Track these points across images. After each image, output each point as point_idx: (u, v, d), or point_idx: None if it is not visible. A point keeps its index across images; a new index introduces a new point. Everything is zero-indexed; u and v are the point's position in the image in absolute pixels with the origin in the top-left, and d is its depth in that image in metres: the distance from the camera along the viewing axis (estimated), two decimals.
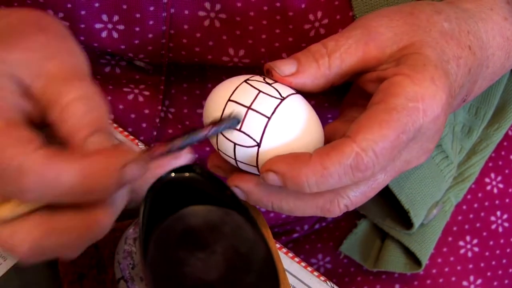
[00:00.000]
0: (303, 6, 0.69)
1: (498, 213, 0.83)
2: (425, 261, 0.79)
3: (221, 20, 0.69)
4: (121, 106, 0.77)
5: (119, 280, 0.59)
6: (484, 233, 0.82)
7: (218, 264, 0.53)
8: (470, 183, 0.82)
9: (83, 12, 0.69)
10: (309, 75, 0.61)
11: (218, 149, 0.60)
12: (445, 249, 0.81)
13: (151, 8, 0.68)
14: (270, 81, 0.60)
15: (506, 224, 0.83)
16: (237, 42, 0.71)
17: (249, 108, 0.59)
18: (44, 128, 0.54)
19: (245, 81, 0.60)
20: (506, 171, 0.83)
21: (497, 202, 0.83)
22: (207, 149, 0.78)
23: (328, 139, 0.60)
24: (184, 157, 0.58)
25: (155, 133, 0.77)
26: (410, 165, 0.62)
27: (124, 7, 0.68)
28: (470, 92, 0.66)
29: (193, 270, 0.53)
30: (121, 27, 0.69)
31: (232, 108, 0.58)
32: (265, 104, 0.59)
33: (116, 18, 0.69)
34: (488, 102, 0.80)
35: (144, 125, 0.77)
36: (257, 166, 0.60)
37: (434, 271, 0.81)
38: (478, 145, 0.82)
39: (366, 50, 0.61)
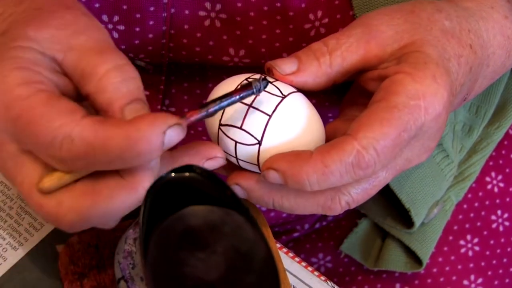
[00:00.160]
0: (303, 5, 0.69)
1: (499, 212, 0.83)
2: (425, 260, 0.79)
3: (221, 20, 0.69)
4: None
5: (119, 280, 0.59)
6: (485, 232, 0.82)
7: (218, 264, 0.53)
8: (470, 182, 0.82)
9: None
10: (310, 74, 0.61)
11: None
12: (445, 248, 0.81)
13: (151, 8, 0.68)
14: (271, 80, 0.60)
15: (506, 223, 0.83)
16: (238, 42, 0.71)
17: (250, 106, 0.59)
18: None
19: (246, 79, 0.60)
20: (507, 170, 0.83)
21: (497, 201, 0.83)
22: None
23: (328, 138, 0.60)
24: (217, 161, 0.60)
25: None
26: (411, 163, 0.62)
27: (124, 7, 0.68)
28: (470, 91, 0.66)
29: (193, 270, 0.53)
30: (121, 27, 0.69)
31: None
32: (266, 102, 0.59)
33: (116, 18, 0.69)
34: (488, 101, 0.80)
35: None
36: (258, 165, 0.60)
37: (434, 270, 0.81)
38: (478, 144, 0.82)
39: (367, 48, 0.61)
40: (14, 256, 0.62)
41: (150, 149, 0.52)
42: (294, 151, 0.58)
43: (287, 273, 0.66)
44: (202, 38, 0.71)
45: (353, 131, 0.57)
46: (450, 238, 0.82)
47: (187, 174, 0.53)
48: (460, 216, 0.82)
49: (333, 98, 0.77)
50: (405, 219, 0.78)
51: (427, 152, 0.62)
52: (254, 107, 0.59)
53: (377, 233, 0.82)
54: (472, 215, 0.82)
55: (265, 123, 0.59)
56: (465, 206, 0.82)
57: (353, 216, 0.83)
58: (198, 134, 0.75)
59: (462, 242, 0.82)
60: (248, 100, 0.59)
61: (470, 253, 0.82)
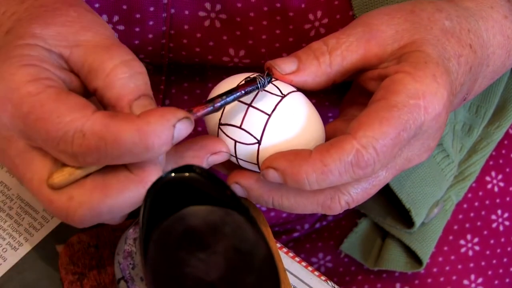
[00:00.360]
0: (303, 6, 0.69)
1: (499, 211, 0.83)
2: (426, 260, 0.79)
3: (221, 20, 0.69)
4: None
5: (120, 280, 0.59)
6: (485, 232, 0.82)
7: (218, 264, 0.53)
8: (470, 181, 0.82)
9: None
10: (310, 73, 0.61)
11: None
12: (446, 248, 0.81)
13: (151, 9, 0.68)
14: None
15: (506, 223, 0.83)
16: (238, 43, 0.71)
17: (249, 105, 0.59)
18: None
19: (246, 78, 0.60)
20: (507, 170, 0.83)
21: (497, 200, 0.83)
22: None
23: (329, 138, 0.60)
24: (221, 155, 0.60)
25: None
26: (411, 163, 0.62)
27: (124, 7, 0.68)
28: (470, 91, 0.66)
29: (194, 270, 0.53)
30: (121, 27, 0.69)
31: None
32: (266, 101, 0.59)
33: (116, 18, 0.69)
34: (488, 101, 0.80)
35: None
36: (257, 164, 0.60)
37: (435, 270, 0.81)
38: (478, 144, 0.82)
39: (367, 48, 0.61)
40: (14, 256, 0.62)
41: (161, 142, 0.52)
42: (294, 150, 0.58)
43: (287, 273, 0.66)
44: (202, 38, 0.71)
45: (353, 130, 0.57)
46: (450, 237, 0.82)
47: (187, 174, 0.54)
48: (460, 216, 0.82)
49: (333, 97, 0.77)
50: (405, 219, 0.78)
51: (427, 152, 0.62)
52: (253, 107, 0.59)
53: (377, 233, 0.82)
54: (472, 214, 0.82)
55: (265, 123, 0.59)
56: (465, 205, 0.82)
57: (353, 216, 0.83)
58: (198, 134, 0.75)
59: (462, 242, 0.82)
60: (248, 100, 0.59)
61: (470, 252, 0.82)
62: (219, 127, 0.60)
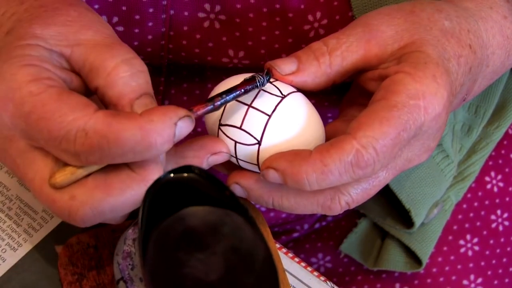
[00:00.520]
0: (302, 7, 0.69)
1: (498, 211, 0.83)
2: (425, 260, 0.79)
3: (220, 21, 0.69)
4: None
5: (119, 281, 0.59)
6: (484, 232, 0.82)
7: (217, 265, 0.53)
8: (470, 182, 0.82)
9: None
10: (310, 74, 0.61)
11: None
12: (445, 248, 0.81)
13: (151, 10, 0.68)
14: (271, 79, 0.61)
15: (506, 223, 0.83)
16: (237, 44, 0.71)
17: (249, 106, 0.59)
18: None
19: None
20: (506, 170, 0.83)
21: (497, 200, 0.83)
22: None
23: (328, 139, 0.60)
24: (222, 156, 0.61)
25: None
26: (411, 163, 0.62)
27: (124, 8, 0.68)
28: (470, 91, 0.66)
29: (193, 271, 0.53)
30: (120, 28, 0.69)
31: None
32: (265, 102, 0.59)
33: (115, 19, 0.69)
34: (488, 101, 0.80)
35: None
36: (257, 164, 0.60)
37: (434, 270, 0.81)
38: (478, 144, 0.82)
39: (367, 48, 0.61)
40: (13, 257, 0.62)
41: (163, 140, 0.53)
42: (293, 150, 0.58)
43: (286, 273, 0.66)
44: (201, 39, 0.71)
45: (353, 130, 0.57)
46: (450, 238, 0.82)
47: (185, 174, 0.54)
48: (460, 216, 0.82)
49: (333, 98, 0.77)
50: (405, 219, 0.78)
51: (427, 152, 0.62)
52: (253, 107, 0.59)
53: (376, 233, 0.82)
54: (471, 215, 0.82)
55: (265, 123, 0.59)
56: (464, 206, 0.82)
57: (352, 216, 0.83)
58: (197, 135, 0.75)
59: (461, 242, 0.82)
60: (248, 100, 0.59)
61: (470, 253, 0.82)
62: (219, 128, 0.60)
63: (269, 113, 0.59)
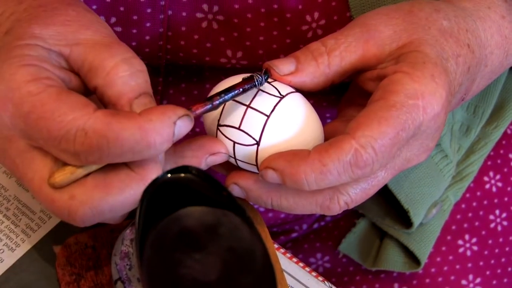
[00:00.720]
0: (300, 7, 0.69)
1: (497, 211, 0.83)
2: (424, 260, 0.79)
3: (218, 22, 0.69)
4: None
5: (116, 281, 0.59)
6: (483, 232, 0.82)
7: (215, 265, 0.53)
8: (468, 182, 0.82)
9: None
10: (308, 74, 0.61)
11: None
12: (444, 248, 0.81)
13: (149, 10, 0.68)
14: (269, 80, 0.61)
15: (505, 223, 0.83)
16: (235, 44, 0.71)
17: (248, 106, 0.59)
18: None
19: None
20: (505, 170, 0.83)
21: (496, 200, 0.83)
22: None
23: (327, 139, 0.60)
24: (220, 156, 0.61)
25: None
26: (410, 163, 0.62)
27: (122, 9, 0.68)
28: (468, 91, 0.66)
29: (190, 271, 0.53)
30: (118, 29, 0.69)
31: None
32: (264, 102, 0.59)
33: (113, 20, 0.69)
34: (486, 101, 0.80)
35: None
36: (256, 165, 0.60)
37: (433, 270, 0.81)
38: (476, 144, 0.82)
39: (365, 48, 0.61)
40: (11, 257, 0.62)
41: (162, 140, 0.53)
42: (292, 150, 0.58)
43: (284, 273, 0.66)
44: (199, 40, 0.71)
45: (351, 130, 0.57)
46: (448, 238, 0.82)
47: (183, 175, 0.54)
48: (458, 216, 0.82)
49: (331, 98, 0.77)
50: (404, 219, 0.78)
51: (426, 152, 0.62)
52: (252, 108, 0.59)
53: (375, 233, 0.82)
54: (470, 215, 0.82)
55: (263, 124, 0.59)
56: (463, 206, 0.82)
57: (351, 216, 0.83)
58: (196, 135, 0.75)
59: (460, 242, 0.82)
60: (246, 100, 0.59)
61: (468, 252, 0.82)
62: (217, 128, 0.60)
63: (268, 114, 0.59)
